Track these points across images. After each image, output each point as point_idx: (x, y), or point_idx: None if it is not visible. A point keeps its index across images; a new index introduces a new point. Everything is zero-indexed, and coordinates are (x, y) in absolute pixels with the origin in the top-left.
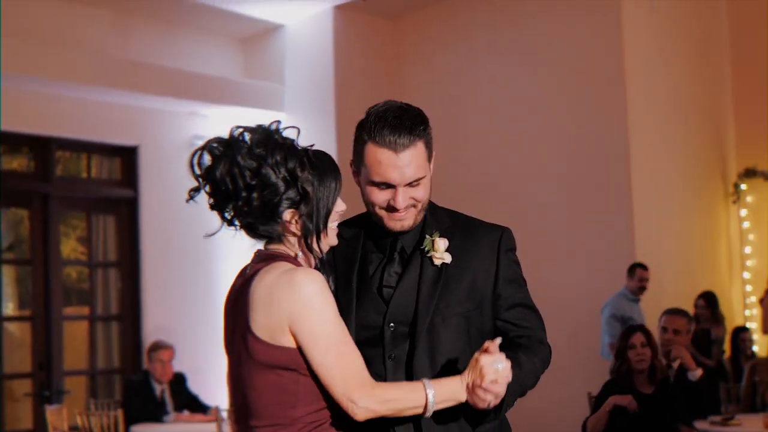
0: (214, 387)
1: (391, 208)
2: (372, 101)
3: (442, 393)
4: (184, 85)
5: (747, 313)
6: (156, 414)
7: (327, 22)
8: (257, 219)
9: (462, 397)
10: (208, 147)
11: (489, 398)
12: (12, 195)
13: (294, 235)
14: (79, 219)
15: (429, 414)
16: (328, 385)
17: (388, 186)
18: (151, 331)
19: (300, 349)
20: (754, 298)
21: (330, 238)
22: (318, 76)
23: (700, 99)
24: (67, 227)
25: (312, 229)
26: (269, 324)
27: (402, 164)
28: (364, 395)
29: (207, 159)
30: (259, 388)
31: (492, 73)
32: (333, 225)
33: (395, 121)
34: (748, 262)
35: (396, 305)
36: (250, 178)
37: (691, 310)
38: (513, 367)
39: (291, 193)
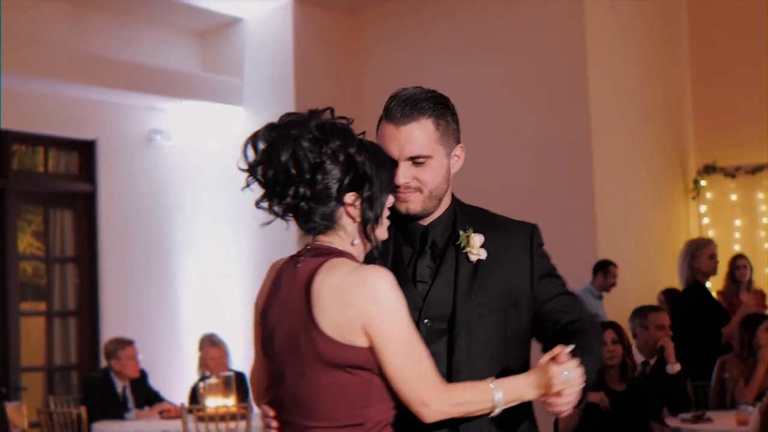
0: (173, 383)
1: (395, 187)
2: (331, 95)
3: (509, 393)
4: (142, 79)
5: None
6: (117, 411)
7: (286, 16)
8: (319, 202)
9: (528, 395)
10: (263, 134)
11: (562, 408)
12: None
13: (353, 220)
14: (35, 213)
15: (496, 413)
16: (398, 388)
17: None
18: (110, 327)
19: (371, 349)
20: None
21: (383, 230)
22: (277, 71)
23: (660, 96)
24: (23, 222)
25: (372, 215)
26: (341, 323)
27: (401, 137)
28: (438, 399)
29: (253, 150)
30: (328, 387)
31: (451, 69)
32: (384, 218)
33: (404, 97)
34: None
35: (432, 301)
36: (314, 160)
37: None
38: (585, 355)
39: (352, 175)
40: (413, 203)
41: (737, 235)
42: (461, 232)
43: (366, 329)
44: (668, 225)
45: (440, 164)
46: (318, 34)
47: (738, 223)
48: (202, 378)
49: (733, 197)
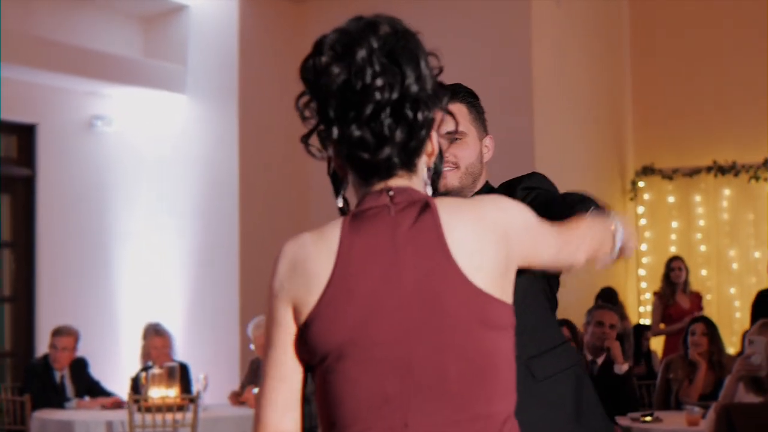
0: (109, 371)
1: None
2: (276, 84)
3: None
4: (85, 64)
5: (642, 309)
6: (56, 400)
7: (231, 4)
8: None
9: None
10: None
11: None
12: None
13: (427, 167)
14: None
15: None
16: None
17: None
18: (46, 314)
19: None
20: (649, 295)
21: None
22: (221, 59)
23: (601, 96)
24: None
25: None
26: (487, 269)
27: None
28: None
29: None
30: (497, 357)
31: None
32: None
33: None
34: (644, 259)
35: None
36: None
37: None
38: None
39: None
40: (451, 179)
41: (674, 237)
42: None
43: (515, 253)
44: None
45: (474, 143)
46: (263, 22)
47: (675, 225)
48: (145, 368)
49: (671, 199)
